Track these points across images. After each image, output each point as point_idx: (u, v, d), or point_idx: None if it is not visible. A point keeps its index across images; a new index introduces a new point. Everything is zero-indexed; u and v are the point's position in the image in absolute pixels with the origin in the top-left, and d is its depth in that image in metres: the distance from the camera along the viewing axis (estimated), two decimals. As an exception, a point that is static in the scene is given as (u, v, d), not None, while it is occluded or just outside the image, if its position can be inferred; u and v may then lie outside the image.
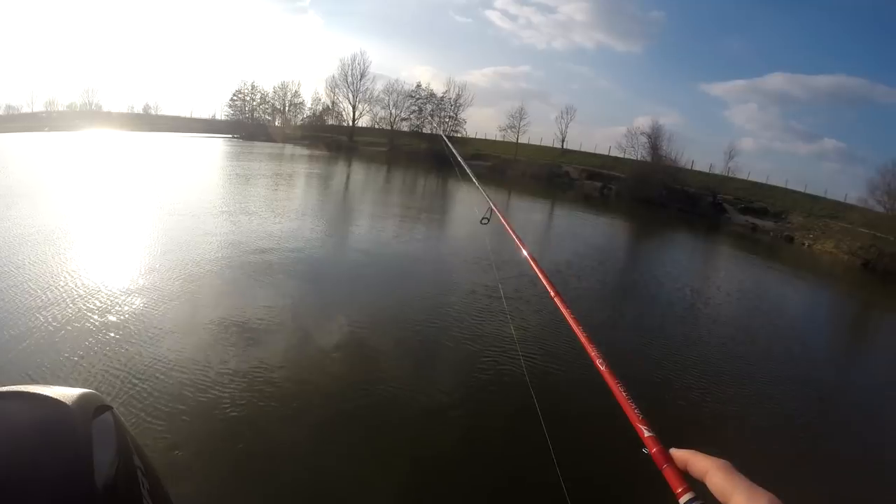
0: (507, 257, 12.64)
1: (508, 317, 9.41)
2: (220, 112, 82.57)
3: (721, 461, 0.74)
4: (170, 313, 8.42)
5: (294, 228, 15.74)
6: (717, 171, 53.01)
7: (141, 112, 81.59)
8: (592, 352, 1.19)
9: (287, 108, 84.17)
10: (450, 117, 72.14)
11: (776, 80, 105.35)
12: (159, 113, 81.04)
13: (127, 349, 7.22)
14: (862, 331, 16.78)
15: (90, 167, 30.97)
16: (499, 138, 67.06)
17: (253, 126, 76.44)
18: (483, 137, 69.06)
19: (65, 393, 0.93)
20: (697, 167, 53.24)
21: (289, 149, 56.42)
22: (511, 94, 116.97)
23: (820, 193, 46.35)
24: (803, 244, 35.70)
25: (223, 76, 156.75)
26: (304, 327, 8.42)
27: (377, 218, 20.81)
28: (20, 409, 0.89)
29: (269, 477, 4.98)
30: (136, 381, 6.41)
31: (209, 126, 77.26)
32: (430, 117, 72.15)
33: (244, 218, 16.41)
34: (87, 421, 0.90)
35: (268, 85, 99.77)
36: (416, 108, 74.43)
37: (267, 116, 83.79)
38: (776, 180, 50.68)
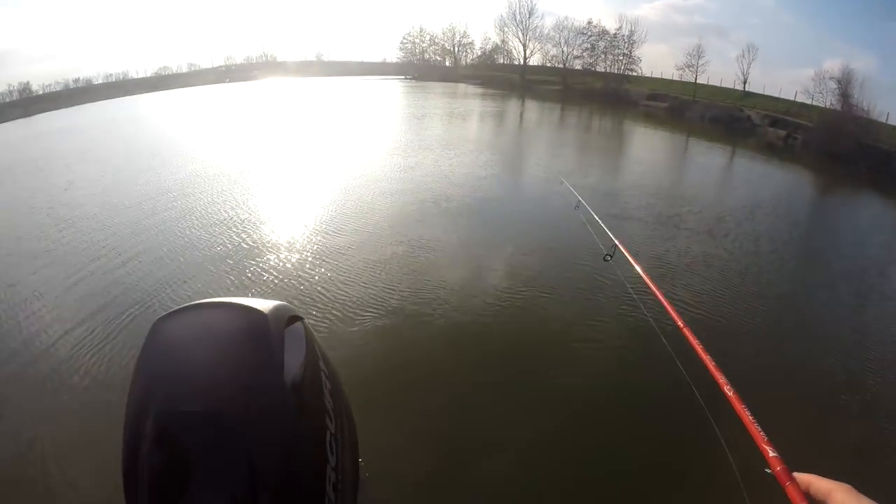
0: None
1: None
2: (390, 56, 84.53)
3: (846, 485, 0.76)
4: (355, 242, 9.45)
5: (470, 165, 15.98)
6: (919, 125, 46.95)
7: (313, 59, 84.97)
8: (720, 378, 1.28)
9: (456, 49, 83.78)
10: (624, 55, 68.34)
11: None
12: (329, 58, 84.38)
13: (319, 270, 8.34)
14: None
15: (280, 110, 33.11)
16: (675, 77, 63.74)
17: (424, 67, 77.67)
18: (659, 77, 65.81)
19: (263, 304, 1.06)
20: (893, 120, 47.12)
21: (461, 88, 56.97)
22: (685, 29, 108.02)
23: None
24: None
25: (390, 22, 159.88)
26: (476, 263, 8.94)
27: (553, 157, 20.52)
28: (228, 318, 1.04)
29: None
30: (325, 300, 7.41)
31: (381, 69, 79.66)
32: (603, 55, 68.83)
33: (424, 154, 17.00)
34: (281, 328, 1.03)
35: (436, 26, 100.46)
36: (589, 45, 70.41)
37: (437, 57, 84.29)
38: None
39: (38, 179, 19.83)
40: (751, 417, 1.08)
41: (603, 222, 4.68)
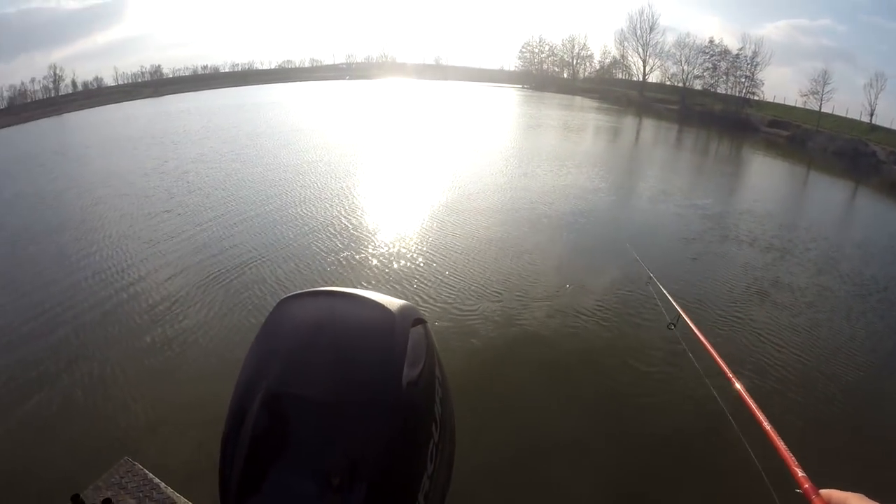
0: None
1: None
2: (508, 64, 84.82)
3: (858, 494, 0.83)
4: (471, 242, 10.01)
5: (581, 178, 16.16)
6: None
7: (432, 63, 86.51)
8: (759, 414, 1.45)
9: (575, 61, 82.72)
10: (745, 77, 64.52)
11: None
12: (448, 63, 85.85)
13: (440, 272, 8.93)
14: None
15: (399, 109, 34.26)
16: (798, 104, 60.52)
17: (541, 77, 77.54)
18: (781, 102, 62.80)
19: (392, 302, 1.08)
20: None
21: (578, 101, 56.66)
22: (810, 51, 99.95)
23: None
24: None
25: (510, 30, 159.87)
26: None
27: (666, 178, 20.32)
28: (354, 309, 1.08)
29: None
30: (446, 302, 7.93)
31: (498, 76, 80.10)
32: (724, 76, 65.74)
33: (536, 164, 17.47)
34: (406, 329, 1.04)
35: (556, 37, 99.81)
36: (710, 65, 67.83)
37: (555, 68, 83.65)
38: None
39: (171, 150, 23.07)
40: (783, 445, 1.23)
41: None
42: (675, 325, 3.63)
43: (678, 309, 3.56)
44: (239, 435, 0.97)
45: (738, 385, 1.81)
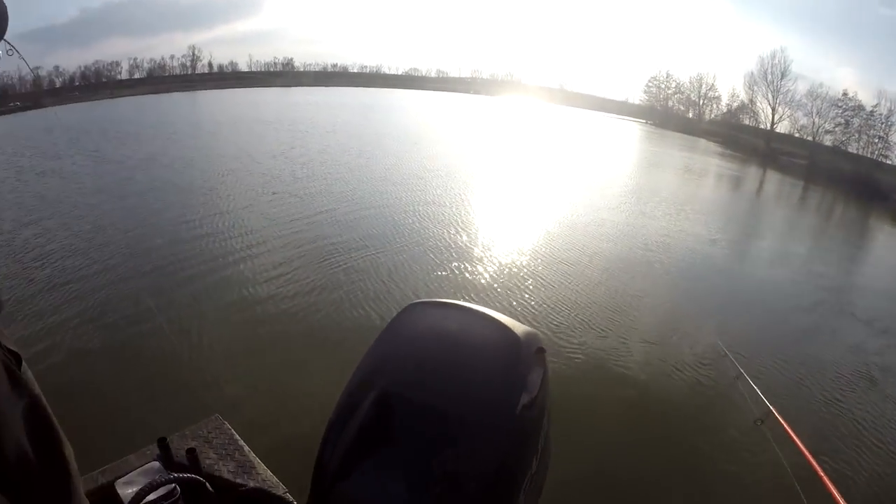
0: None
1: None
2: (633, 96, 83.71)
3: None
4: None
5: (698, 226, 15.55)
6: None
7: (556, 87, 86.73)
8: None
9: (701, 102, 79.68)
10: (879, 137, 58.67)
11: None
12: (571, 88, 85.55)
13: (548, 297, 8.73)
14: None
15: (521, 129, 34.41)
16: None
17: (665, 114, 75.75)
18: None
19: (518, 326, 1.09)
20: None
21: (701, 144, 54.95)
22: None
23: None
24: None
25: (638, 59, 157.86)
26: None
27: (785, 239, 19.12)
28: (482, 327, 1.09)
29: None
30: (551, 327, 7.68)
31: (620, 108, 79.19)
32: (856, 134, 60.13)
33: (653, 206, 16.98)
34: (529, 356, 1.05)
35: (683, 74, 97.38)
36: (842, 120, 62.14)
37: (680, 106, 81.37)
38: None
39: (298, 139, 24.53)
40: None
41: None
42: (762, 422, 3.62)
43: (768, 405, 3.56)
44: (346, 424, 1.02)
45: (832, 488, 1.69)
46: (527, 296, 8.73)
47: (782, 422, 2.61)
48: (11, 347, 1.34)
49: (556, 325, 7.86)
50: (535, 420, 1.07)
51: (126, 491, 2.05)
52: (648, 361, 7.16)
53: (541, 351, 1.11)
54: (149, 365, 6.08)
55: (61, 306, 7.58)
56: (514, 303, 8.41)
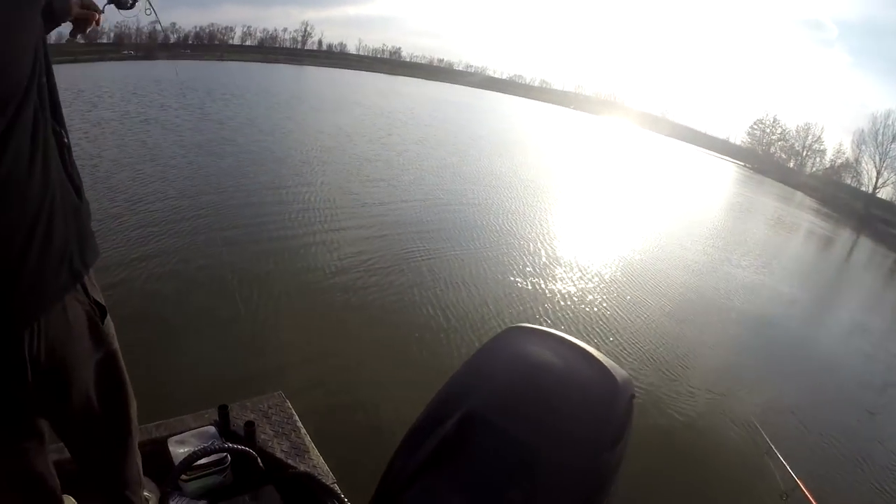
0: None
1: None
2: (735, 135, 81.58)
3: None
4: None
5: (781, 282, 14.87)
6: None
7: (658, 115, 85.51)
8: None
9: (805, 153, 76.66)
10: None
11: None
12: (674, 119, 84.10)
13: (634, 336, 8.26)
14: None
15: (619, 152, 34.03)
16: None
17: (766, 160, 73.17)
18: None
19: (616, 369, 1.07)
20: None
21: (798, 196, 53.00)
22: None
23: None
24: None
25: (744, 99, 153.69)
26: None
27: (868, 312, 17.80)
28: (583, 364, 1.07)
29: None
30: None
31: (720, 146, 77.38)
32: None
33: (743, 254, 16.40)
34: (624, 403, 1.03)
35: (790, 120, 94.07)
36: None
37: (782, 154, 78.66)
38: None
39: (397, 127, 25.66)
40: None
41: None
42: (787, 496, 3.55)
43: (797, 481, 3.49)
44: (426, 436, 1.01)
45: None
46: (595, 315, 8.66)
47: (805, 490, 2.61)
48: (98, 299, 1.46)
49: (608, 346, 7.70)
50: (614, 466, 1.03)
51: (178, 450, 2.14)
52: (688, 412, 6.73)
53: (633, 397, 1.10)
54: (221, 327, 6.11)
55: (144, 248, 7.87)
56: (581, 321, 8.32)
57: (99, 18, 1.57)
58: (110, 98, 22.68)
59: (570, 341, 1.16)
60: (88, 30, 1.58)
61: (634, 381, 4.49)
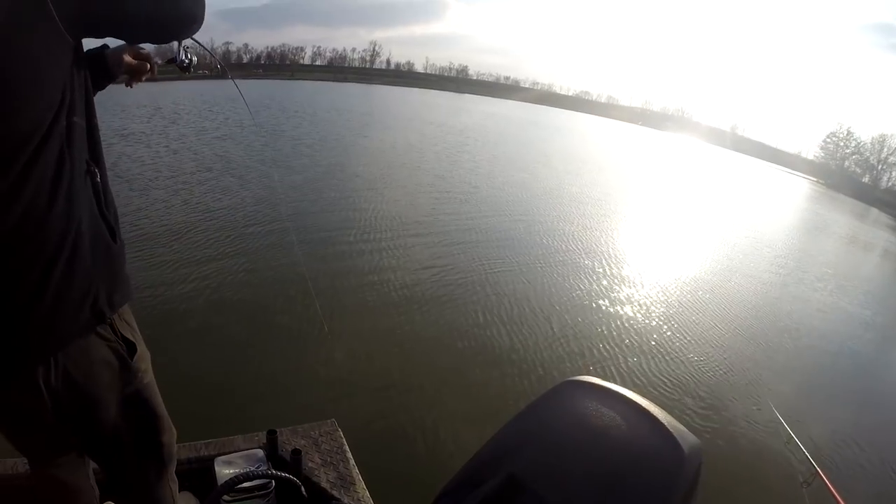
0: None
1: None
2: (806, 150, 79.13)
3: None
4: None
5: (854, 306, 13.82)
6: None
7: (727, 130, 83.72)
8: None
9: (881, 166, 74.44)
10: None
11: None
12: (744, 133, 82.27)
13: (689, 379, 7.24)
14: None
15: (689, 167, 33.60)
16: None
17: (839, 175, 70.54)
18: None
19: (683, 434, 0.98)
20: None
21: (873, 213, 50.68)
22: None
23: None
24: None
25: (816, 111, 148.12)
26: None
27: None
28: (646, 429, 0.98)
29: None
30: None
31: (791, 161, 75.13)
32: None
33: (813, 278, 15.56)
34: (691, 475, 0.93)
35: (864, 132, 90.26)
36: None
37: (857, 169, 75.85)
38: None
39: (468, 145, 26.45)
40: None
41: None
42: (808, 484, 3.54)
43: (816, 468, 3.48)
44: (465, 494, 0.96)
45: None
46: (660, 330, 8.48)
47: (823, 477, 2.69)
48: (129, 337, 1.47)
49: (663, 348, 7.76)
50: None
51: (224, 471, 2.17)
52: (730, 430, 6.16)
53: (700, 466, 1.00)
54: (281, 345, 6.09)
55: (215, 256, 8.29)
56: (646, 334, 8.22)
57: (153, 69, 1.62)
58: (188, 115, 24.76)
59: (631, 399, 1.08)
60: (144, 78, 1.63)
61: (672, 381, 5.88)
